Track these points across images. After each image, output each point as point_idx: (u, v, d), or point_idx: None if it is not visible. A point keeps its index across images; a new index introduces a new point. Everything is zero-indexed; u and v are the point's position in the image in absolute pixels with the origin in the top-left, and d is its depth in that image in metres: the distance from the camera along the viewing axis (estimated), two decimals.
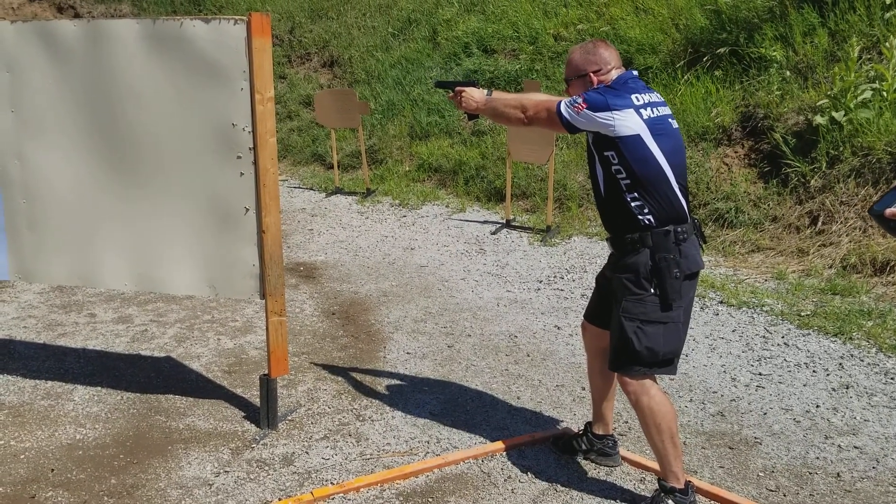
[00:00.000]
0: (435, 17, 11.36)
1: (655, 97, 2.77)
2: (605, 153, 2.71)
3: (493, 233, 7.05)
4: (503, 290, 5.52)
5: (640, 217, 2.67)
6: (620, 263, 2.75)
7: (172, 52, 3.28)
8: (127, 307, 5.15)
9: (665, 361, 2.69)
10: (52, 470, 3.17)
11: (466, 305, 5.21)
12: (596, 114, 2.65)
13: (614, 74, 2.84)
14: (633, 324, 2.66)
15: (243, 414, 3.63)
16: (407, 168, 9.44)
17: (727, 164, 6.89)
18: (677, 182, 2.69)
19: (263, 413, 3.47)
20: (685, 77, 7.66)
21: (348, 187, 9.25)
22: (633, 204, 2.68)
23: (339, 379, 4.03)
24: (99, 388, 3.92)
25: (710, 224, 6.39)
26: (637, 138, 2.64)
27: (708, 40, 7.73)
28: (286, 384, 3.94)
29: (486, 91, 3.10)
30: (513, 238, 6.87)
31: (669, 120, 2.75)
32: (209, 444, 3.37)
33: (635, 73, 2.86)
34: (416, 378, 4.06)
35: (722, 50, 7.47)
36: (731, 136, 7.01)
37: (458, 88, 3.14)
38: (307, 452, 3.28)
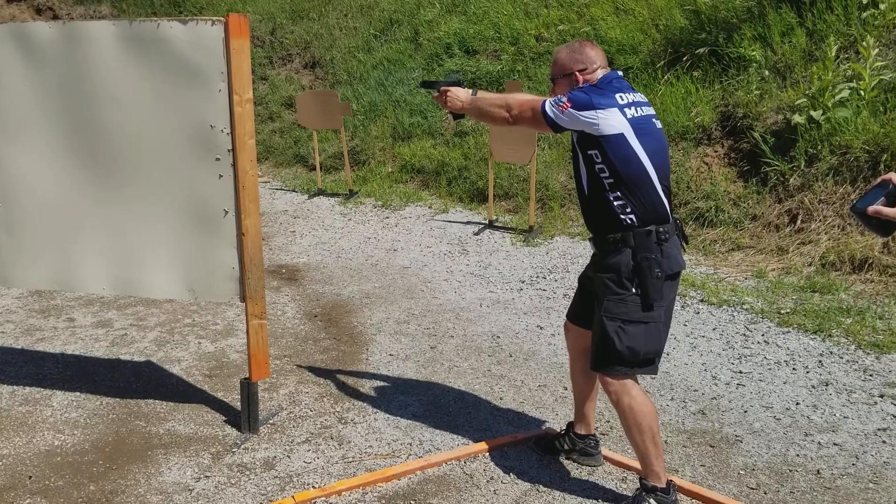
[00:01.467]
0: (417, 18, 11.35)
1: (640, 97, 2.78)
2: (589, 152, 2.72)
3: (476, 233, 7.05)
4: (486, 291, 5.52)
5: (622, 217, 2.68)
6: (602, 263, 2.75)
7: (150, 53, 3.26)
8: (107, 311, 5.10)
9: (646, 361, 2.70)
10: (30, 477, 3.13)
11: (449, 306, 5.21)
12: (580, 112, 2.66)
13: (600, 74, 2.84)
14: (615, 323, 2.67)
15: (224, 418, 3.61)
16: (389, 169, 9.43)
17: (707, 164, 6.93)
18: (660, 182, 2.70)
19: (244, 417, 3.45)
20: (665, 77, 7.70)
21: (331, 189, 9.23)
22: (615, 203, 2.68)
23: (322, 381, 4.02)
24: (78, 394, 3.87)
25: (690, 223, 6.42)
26: (621, 137, 2.65)
27: (687, 40, 7.77)
28: (268, 387, 3.92)
29: (470, 91, 3.10)
30: (495, 239, 6.88)
31: (653, 120, 2.76)
32: (189, 448, 3.34)
33: (620, 73, 2.87)
34: (398, 380, 4.05)
35: (701, 50, 7.51)
36: (711, 136, 7.05)
37: (442, 88, 3.14)
38: (289, 456, 3.26)
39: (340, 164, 9.71)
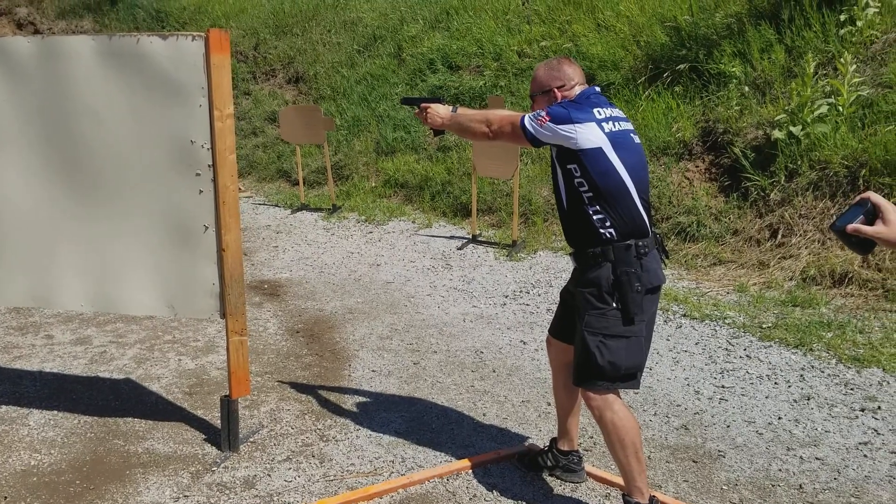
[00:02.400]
0: (400, 33, 11.39)
1: (617, 112, 2.79)
2: (568, 166, 2.73)
3: (460, 248, 7.05)
4: (469, 306, 5.51)
5: (601, 231, 2.68)
6: (583, 278, 2.75)
7: (130, 68, 3.23)
8: (85, 328, 5.04)
9: (628, 376, 2.69)
10: (6, 498, 3.07)
11: (433, 321, 5.19)
12: (559, 126, 2.67)
13: (578, 90, 2.86)
14: (596, 338, 2.66)
15: (204, 436, 3.56)
16: (373, 184, 9.42)
17: (688, 179, 6.98)
18: (639, 196, 2.71)
19: (224, 435, 3.41)
20: (646, 93, 7.76)
21: (314, 203, 9.20)
22: (594, 217, 2.69)
23: (303, 398, 3.98)
24: (55, 412, 3.82)
25: (672, 238, 6.45)
26: (599, 151, 2.66)
27: (668, 57, 7.84)
28: (248, 405, 3.88)
29: (451, 107, 3.11)
30: (479, 253, 6.87)
31: (631, 135, 2.78)
32: (168, 467, 3.29)
33: (597, 88, 2.89)
34: (381, 396, 4.02)
35: (682, 66, 7.59)
36: (692, 151, 7.11)
37: (423, 105, 3.15)
38: (269, 475, 3.22)
39: (324, 179, 9.69)
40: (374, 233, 7.77)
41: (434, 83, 9.99)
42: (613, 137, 2.68)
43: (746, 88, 7.06)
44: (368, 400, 3.97)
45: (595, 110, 2.71)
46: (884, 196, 5.55)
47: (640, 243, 2.67)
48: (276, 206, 9.36)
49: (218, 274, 3.30)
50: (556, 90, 2.87)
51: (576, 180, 2.71)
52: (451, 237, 7.42)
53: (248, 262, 6.79)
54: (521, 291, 5.80)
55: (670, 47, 7.90)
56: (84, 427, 3.67)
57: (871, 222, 1.77)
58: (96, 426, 3.68)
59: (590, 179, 2.67)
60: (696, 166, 7.07)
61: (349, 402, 3.94)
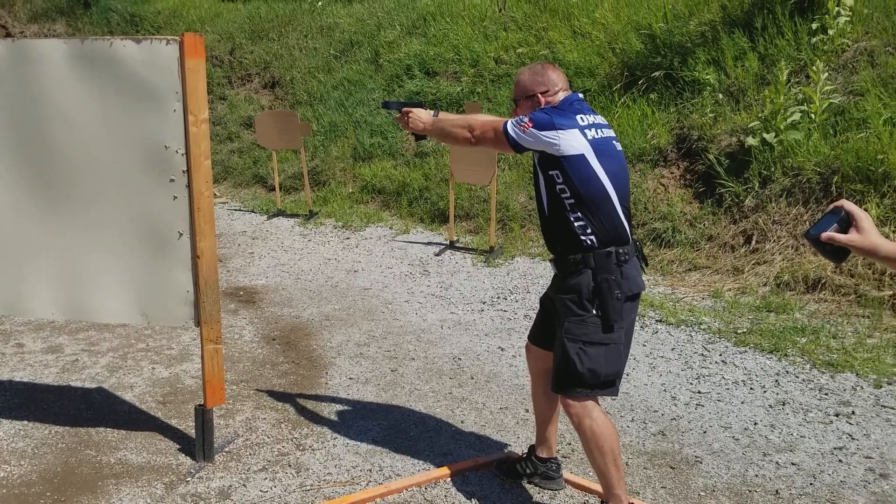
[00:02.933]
0: (377, 39, 11.38)
1: (600, 119, 2.80)
2: (550, 172, 2.72)
3: (437, 254, 7.03)
4: (447, 312, 5.49)
5: (582, 237, 2.68)
6: (563, 284, 2.75)
7: (102, 73, 3.19)
8: (57, 336, 4.95)
9: (607, 383, 2.69)
10: None
11: (410, 328, 5.17)
12: (541, 132, 2.67)
13: (561, 96, 2.86)
14: (576, 345, 2.66)
15: (178, 446, 3.51)
16: (350, 190, 9.38)
17: (664, 185, 7.03)
18: (620, 204, 2.71)
19: (199, 445, 3.36)
20: (622, 100, 7.81)
21: (290, 209, 9.14)
22: (576, 224, 2.69)
23: (280, 407, 3.94)
24: (25, 422, 3.74)
25: (648, 243, 6.49)
26: (581, 158, 2.66)
27: (643, 64, 7.90)
28: (224, 414, 3.83)
29: (432, 112, 3.10)
30: (456, 259, 6.86)
31: (613, 142, 2.78)
32: (141, 478, 3.24)
33: (580, 95, 2.89)
34: (358, 404, 3.99)
35: (657, 73, 7.64)
36: (667, 158, 7.16)
37: (404, 109, 3.14)
38: (245, 485, 3.18)
39: (300, 185, 9.64)
40: (351, 239, 7.73)
41: (411, 89, 9.99)
42: (596, 144, 2.69)
43: (720, 96, 7.13)
44: (346, 408, 3.94)
45: (578, 117, 2.72)
46: (856, 203, 5.64)
47: (621, 250, 2.67)
48: (252, 211, 9.29)
49: (192, 281, 3.25)
50: (539, 95, 2.87)
51: (558, 187, 2.71)
52: (429, 243, 7.40)
53: (224, 269, 6.73)
54: (498, 298, 5.80)
55: (645, 55, 7.97)
56: (55, 437, 3.60)
57: (844, 230, 1.78)
58: (68, 436, 3.61)
59: (572, 186, 2.67)
60: (672, 173, 7.13)
61: (326, 411, 3.90)
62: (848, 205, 1.80)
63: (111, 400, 4.02)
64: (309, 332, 5.10)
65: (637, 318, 5.22)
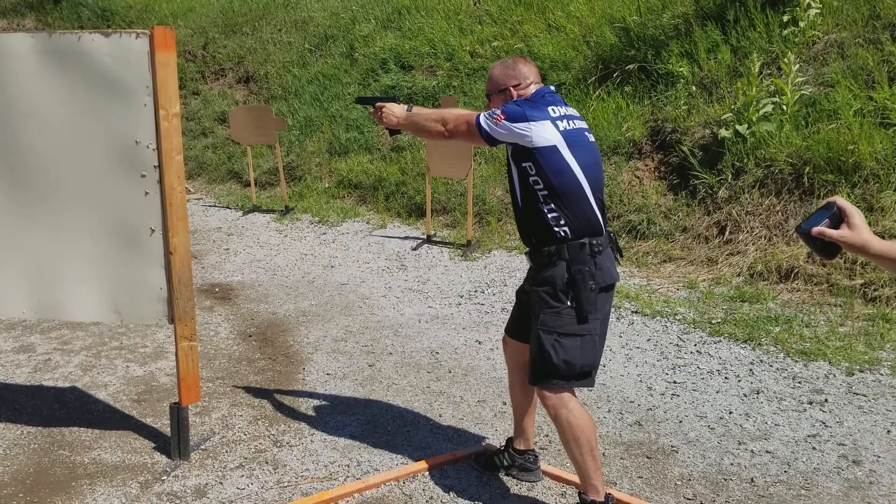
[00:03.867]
0: (352, 33, 11.31)
1: (572, 111, 2.81)
2: (523, 164, 2.73)
3: (414, 248, 7.02)
4: (424, 307, 5.49)
5: (556, 229, 2.69)
6: (538, 277, 2.76)
7: (71, 67, 3.14)
8: (29, 335, 4.88)
9: (583, 374, 2.70)
10: None
11: (388, 323, 5.16)
12: (514, 124, 2.67)
13: (533, 89, 2.87)
14: (551, 337, 2.67)
15: (153, 444, 3.47)
16: (326, 185, 9.33)
17: (638, 177, 7.07)
18: (593, 195, 2.72)
19: (174, 443, 3.33)
20: (596, 93, 7.83)
21: (266, 205, 9.08)
22: (549, 216, 2.69)
23: (256, 404, 3.91)
24: None
25: (623, 236, 6.53)
26: (553, 149, 2.67)
27: (617, 57, 7.93)
28: (199, 411, 3.80)
29: (406, 106, 3.10)
30: (434, 253, 6.86)
31: (586, 133, 2.79)
32: (116, 478, 3.20)
33: (552, 87, 2.90)
34: (336, 399, 3.98)
35: (631, 66, 7.68)
36: (642, 150, 7.20)
37: (378, 104, 3.13)
38: (221, 483, 3.16)
39: (275, 180, 9.57)
40: (327, 234, 7.70)
41: (387, 83, 9.95)
42: (568, 136, 2.69)
43: (694, 88, 7.18)
44: (323, 403, 3.92)
45: (550, 108, 2.72)
46: (827, 193, 5.70)
47: (595, 241, 2.68)
48: (227, 207, 9.22)
49: (165, 278, 3.22)
50: (511, 89, 2.88)
51: (531, 178, 2.71)
52: (406, 238, 7.39)
53: (199, 265, 6.67)
54: (476, 291, 5.80)
55: (619, 47, 8.00)
56: (27, 438, 3.55)
57: (836, 226, 1.79)
58: (40, 437, 3.56)
59: (544, 178, 2.68)
60: (646, 165, 7.17)
61: (303, 407, 3.88)
62: (840, 201, 1.81)
63: (84, 399, 3.97)
64: (285, 328, 5.07)
65: (613, 309, 5.26)
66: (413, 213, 8.03)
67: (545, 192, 2.68)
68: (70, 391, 4.07)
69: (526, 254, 2.85)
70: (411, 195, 8.20)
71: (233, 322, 5.22)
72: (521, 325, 2.99)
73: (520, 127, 2.66)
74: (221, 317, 5.33)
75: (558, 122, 2.69)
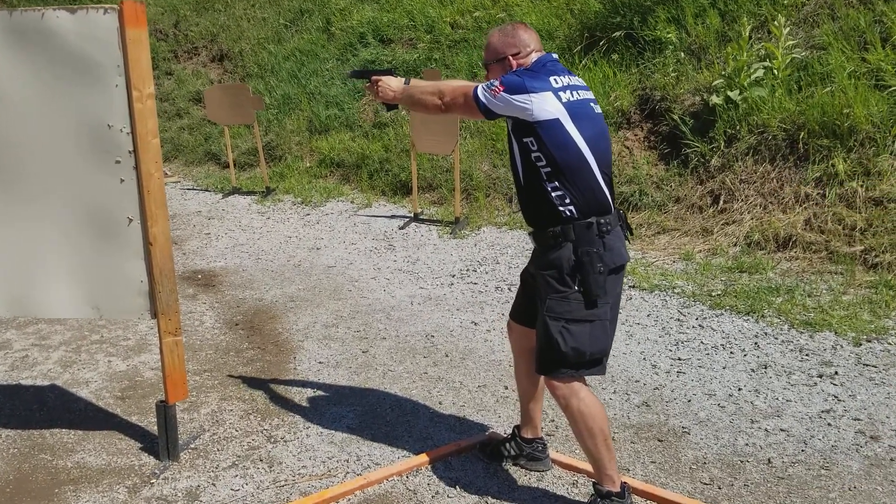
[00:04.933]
0: (328, 6, 11.00)
1: (576, 80, 2.63)
2: (525, 139, 2.56)
3: (402, 227, 6.84)
4: (416, 288, 5.33)
5: (560, 208, 2.52)
6: (543, 259, 2.60)
7: (35, 46, 2.91)
8: (4, 331, 4.67)
9: (593, 362, 2.55)
10: None
11: (379, 306, 4.99)
12: (513, 97, 2.50)
13: (534, 57, 2.69)
14: (559, 323, 2.51)
15: (140, 445, 3.30)
16: (308, 164, 9.10)
17: (628, 148, 6.91)
18: (600, 170, 2.55)
19: (162, 443, 3.15)
20: (583, 62, 7.64)
21: (246, 187, 8.84)
22: (553, 194, 2.53)
23: (247, 397, 3.74)
24: None
25: None
26: (556, 122, 2.49)
27: (603, 24, 7.73)
28: (187, 407, 3.62)
29: (403, 80, 2.91)
30: (422, 232, 6.68)
31: (591, 104, 2.62)
32: (102, 482, 3.03)
33: (555, 55, 2.72)
34: (330, 389, 3.82)
35: (617, 34, 7.49)
36: (631, 120, 7.04)
37: (374, 78, 2.94)
38: (214, 484, 2.99)
39: (255, 161, 9.33)
40: (311, 215, 7.49)
41: (366, 57, 9.69)
42: (571, 108, 2.52)
43: (682, 54, 7.01)
44: (317, 394, 3.76)
45: (552, 79, 2.54)
46: (822, 158, 5.57)
47: (602, 220, 2.52)
48: (207, 190, 8.97)
49: (146, 270, 3.02)
50: (510, 58, 2.69)
51: (532, 155, 2.54)
52: (393, 216, 7.21)
53: (180, 252, 6.45)
54: (467, 270, 5.64)
55: (605, 14, 7.79)
56: (6, 442, 3.36)
57: None
58: (20, 440, 3.37)
59: (547, 153, 2.51)
60: (636, 135, 7.01)
61: (297, 398, 3.72)
62: None
63: (65, 398, 3.78)
64: (273, 315, 4.89)
65: None
66: (398, 191, 7.84)
67: (548, 169, 2.51)
68: (50, 390, 3.88)
69: (530, 234, 2.69)
70: (396, 172, 8.00)
71: (218, 310, 5.03)
72: (526, 310, 2.83)
73: (519, 99, 2.49)
74: (206, 305, 5.13)
75: (561, 93, 2.51)
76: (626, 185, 6.50)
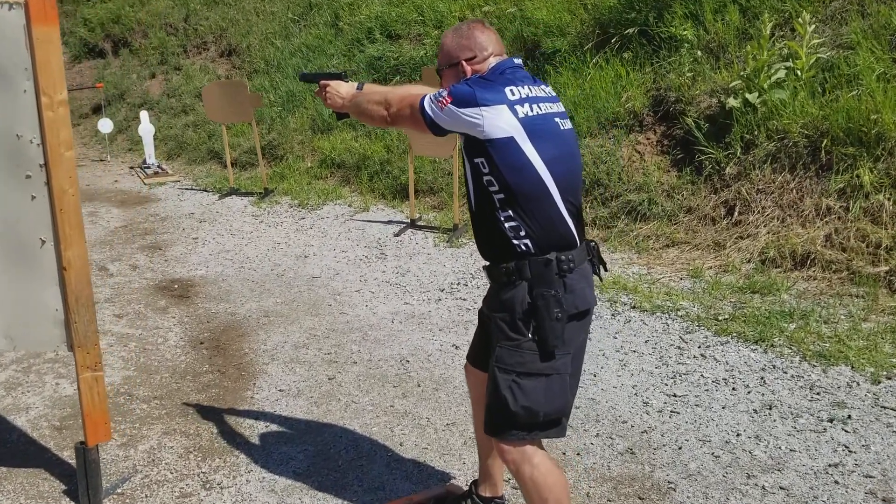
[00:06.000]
0: (337, 1, 10.67)
1: (539, 91, 2.23)
2: (476, 160, 2.18)
3: (397, 234, 6.49)
4: (401, 303, 4.97)
5: (515, 241, 2.14)
6: (495, 300, 2.22)
7: None
8: None
9: (549, 423, 2.17)
10: None
11: (357, 324, 4.64)
12: (461, 110, 2.12)
13: (493, 62, 2.31)
14: (509, 377, 2.14)
15: (64, 487, 2.99)
16: (308, 164, 8.79)
17: (639, 152, 6.49)
18: (562, 198, 2.16)
19: (82, 490, 2.84)
20: (594, 60, 7.21)
21: (245, 187, 8.55)
22: (507, 224, 2.15)
23: (192, 431, 3.42)
24: None
25: (622, 217, 5.97)
26: (510, 141, 2.11)
27: (616, 20, 7.30)
28: (126, 441, 3.31)
29: (356, 85, 2.55)
30: (417, 240, 6.33)
31: (556, 120, 2.22)
32: None
33: (518, 60, 2.32)
34: (285, 422, 3.48)
35: (631, 30, 7.05)
36: (643, 122, 6.60)
37: (322, 82, 2.59)
38: None
39: (256, 160, 9.04)
40: (306, 219, 7.17)
41: (372, 54, 9.35)
42: (530, 124, 2.13)
43: (699, 53, 6.56)
44: (269, 429, 3.42)
45: (508, 89, 2.15)
46: (847, 167, 5.10)
47: (564, 257, 2.13)
48: (205, 190, 8.69)
49: (61, 297, 2.71)
50: (464, 63, 2.32)
51: (484, 178, 2.17)
52: (389, 222, 6.86)
53: (162, 258, 6.17)
54: (458, 284, 5.27)
55: (619, 10, 7.35)
56: None
57: None
58: None
59: (499, 177, 2.13)
60: (647, 139, 6.58)
61: (246, 433, 3.39)
62: None
63: (0, 427, 3.49)
64: (243, 333, 4.57)
65: (608, 304, 4.74)
66: (398, 195, 7.49)
67: (501, 196, 2.13)
68: None
69: (484, 268, 2.31)
70: (396, 175, 7.65)
71: (186, 325, 4.72)
72: (483, 352, 2.46)
73: (468, 113, 2.11)
74: (175, 320, 4.82)
75: (517, 107, 2.12)
76: (635, 194, 6.08)
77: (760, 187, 5.57)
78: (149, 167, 9.77)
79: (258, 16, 11.77)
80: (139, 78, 12.78)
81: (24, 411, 3.63)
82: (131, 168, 10.19)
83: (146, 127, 9.77)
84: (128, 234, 6.99)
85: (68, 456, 3.22)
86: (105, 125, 10.38)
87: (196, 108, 10.99)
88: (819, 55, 5.75)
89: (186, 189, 8.82)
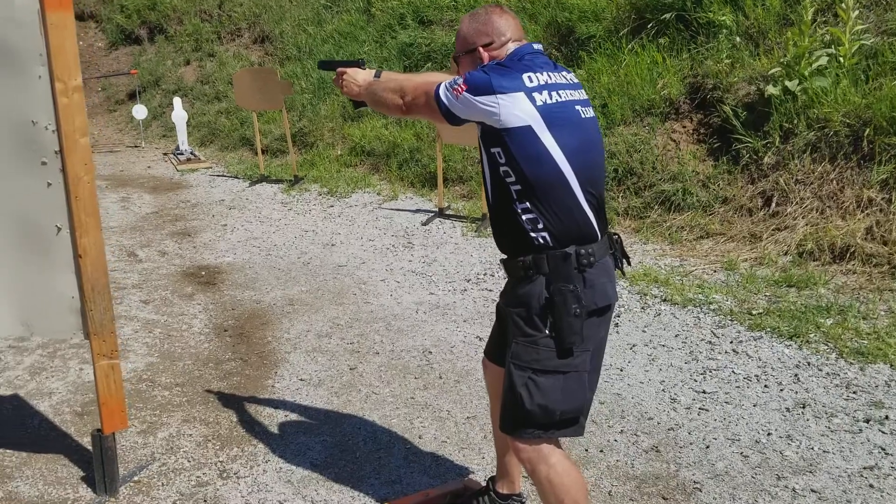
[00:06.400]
0: None
1: (560, 78, 2.14)
2: (492, 150, 2.11)
3: (425, 223, 6.43)
4: (426, 293, 4.91)
5: (532, 234, 2.06)
6: (512, 295, 2.14)
7: None
8: None
9: (566, 422, 2.09)
10: None
11: (381, 313, 4.60)
12: (477, 98, 2.04)
13: (510, 48, 2.22)
14: (524, 374, 2.06)
15: (82, 473, 2.99)
16: (339, 152, 8.76)
17: (675, 141, 6.32)
18: (583, 189, 2.07)
19: (99, 476, 2.83)
20: (629, 46, 7.05)
21: (275, 174, 8.56)
22: (524, 217, 2.07)
23: (211, 419, 3.40)
24: None
25: (655, 208, 5.83)
26: (527, 130, 2.03)
27: (653, 5, 7.11)
28: (146, 429, 3.30)
29: (374, 72, 2.49)
30: (445, 229, 6.26)
31: (577, 107, 2.12)
32: None
33: (537, 46, 2.23)
34: (305, 412, 3.44)
35: (668, 15, 6.87)
36: (679, 110, 6.44)
37: (339, 70, 2.53)
38: None
39: (287, 147, 9.03)
40: (334, 207, 7.14)
41: (404, 40, 9.27)
42: (548, 112, 2.04)
43: (738, 39, 6.37)
44: (289, 418, 3.39)
45: (525, 76, 2.06)
46: (890, 158, 4.90)
47: (584, 251, 2.04)
48: (236, 177, 8.72)
49: (77, 285, 2.69)
50: (481, 49, 2.23)
51: (501, 168, 2.09)
52: (417, 211, 6.80)
53: (191, 244, 6.19)
54: (485, 274, 5.20)
55: None
56: None
57: None
58: None
59: (517, 168, 2.05)
60: (683, 127, 6.41)
61: (265, 422, 3.36)
62: None
63: (22, 412, 3.51)
64: (267, 321, 4.55)
65: (638, 297, 4.63)
66: (427, 183, 7.42)
67: (518, 187, 2.05)
68: (10, 400, 3.61)
69: (501, 262, 2.24)
70: (426, 163, 7.59)
71: (211, 313, 4.72)
72: (501, 347, 2.38)
73: (484, 101, 2.03)
74: (200, 306, 4.82)
75: (535, 95, 2.04)
76: (669, 183, 5.94)
77: (799, 178, 5.40)
78: (182, 153, 9.83)
79: (291, 2, 11.76)
80: (174, 65, 12.87)
81: (46, 396, 3.64)
82: (165, 154, 10.28)
83: (179, 113, 9.83)
84: (158, 220, 7.03)
85: (88, 442, 3.21)
86: (139, 111, 10.48)
87: (229, 94, 11.02)
88: (862, 42, 5.54)
89: (218, 176, 8.86)
